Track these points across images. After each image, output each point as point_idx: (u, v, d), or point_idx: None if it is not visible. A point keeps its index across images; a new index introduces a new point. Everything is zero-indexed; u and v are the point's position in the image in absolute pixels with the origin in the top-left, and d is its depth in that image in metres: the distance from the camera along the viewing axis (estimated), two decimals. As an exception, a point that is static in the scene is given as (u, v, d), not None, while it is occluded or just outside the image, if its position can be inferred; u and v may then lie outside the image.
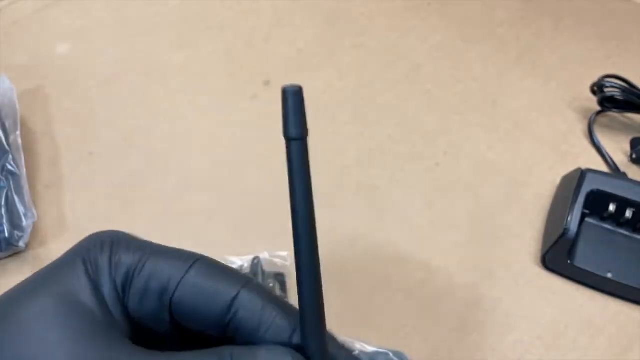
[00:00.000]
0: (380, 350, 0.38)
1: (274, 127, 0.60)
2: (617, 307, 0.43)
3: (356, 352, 0.38)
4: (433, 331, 0.41)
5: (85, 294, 0.21)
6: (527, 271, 0.44)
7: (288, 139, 0.19)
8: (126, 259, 0.22)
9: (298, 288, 0.20)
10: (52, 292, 0.20)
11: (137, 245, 0.22)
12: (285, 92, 0.19)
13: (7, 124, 0.47)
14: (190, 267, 0.22)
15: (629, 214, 0.43)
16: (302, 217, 0.19)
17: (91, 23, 0.60)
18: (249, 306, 0.21)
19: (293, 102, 0.19)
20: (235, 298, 0.21)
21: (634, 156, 0.50)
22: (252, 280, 0.22)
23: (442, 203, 0.48)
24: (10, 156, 0.45)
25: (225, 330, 0.21)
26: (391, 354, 0.38)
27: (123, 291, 0.21)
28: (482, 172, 0.50)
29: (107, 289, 0.21)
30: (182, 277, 0.21)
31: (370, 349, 0.38)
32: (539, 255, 0.45)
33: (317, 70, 0.56)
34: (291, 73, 0.56)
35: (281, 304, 0.22)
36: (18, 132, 0.47)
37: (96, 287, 0.21)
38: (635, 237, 0.44)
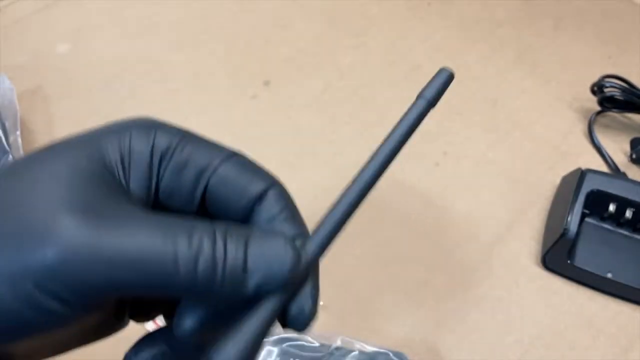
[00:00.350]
0: (381, 350, 0.38)
1: (274, 127, 0.61)
2: (617, 307, 0.43)
3: (355, 353, 0.38)
4: (433, 331, 0.41)
5: (112, 156, 0.21)
6: (527, 271, 0.44)
7: (421, 96, 0.24)
8: (168, 136, 0.22)
9: (339, 197, 0.22)
10: (76, 155, 0.20)
11: (178, 129, 0.22)
12: (442, 70, 0.24)
13: (7, 125, 0.47)
14: (230, 156, 0.22)
15: (629, 214, 0.43)
16: (386, 154, 0.23)
17: (91, 23, 0.60)
18: (269, 206, 0.22)
19: (443, 79, 0.24)
20: (262, 195, 0.22)
21: (633, 156, 0.50)
22: (280, 182, 0.23)
23: (442, 203, 0.48)
24: (10, 156, 0.45)
25: (244, 221, 0.22)
26: (391, 354, 0.38)
27: (160, 161, 0.21)
28: (481, 172, 0.50)
29: (141, 158, 0.21)
30: (222, 162, 0.22)
31: (370, 349, 0.38)
32: (539, 255, 0.45)
33: (317, 70, 0.56)
34: (291, 73, 0.56)
35: (296, 213, 0.22)
36: (18, 133, 0.47)
37: (127, 153, 0.21)
38: (635, 237, 0.44)
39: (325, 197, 0.45)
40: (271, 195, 0.22)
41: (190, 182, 0.22)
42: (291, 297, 0.20)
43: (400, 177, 0.49)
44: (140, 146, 0.21)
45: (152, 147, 0.21)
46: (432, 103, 0.24)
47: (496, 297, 0.43)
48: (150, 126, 0.22)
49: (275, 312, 0.19)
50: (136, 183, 0.21)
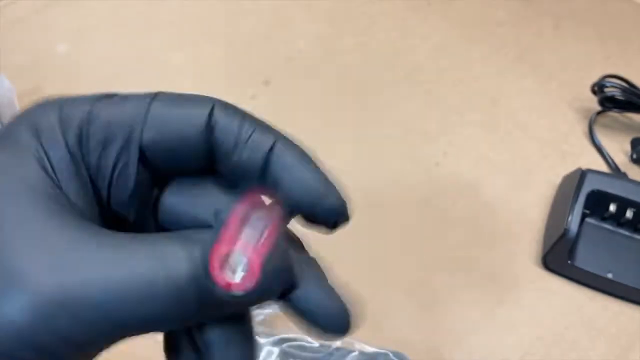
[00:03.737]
0: (381, 350, 0.38)
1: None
2: (618, 308, 0.42)
3: (355, 353, 0.38)
4: (433, 331, 0.41)
5: (33, 166, 0.17)
6: (527, 271, 0.44)
7: None
8: (76, 112, 0.18)
9: None
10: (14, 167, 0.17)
11: (87, 97, 0.19)
12: None
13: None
14: (152, 99, 0.19)
15: (629, 214, 0.43)
16: None
17: (91, 23, 0.60)
18: (224, 123, 0.19)
19: None
20: (209, 117, 0.19)
21: (634, 156, 0.50)
22: (223, 101, 0.20)
23: (442, 203, 0.48)
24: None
25: (205, 158, 0.19)
26: (391, 355, 0.38)
27: (80, 150, 0.18)
28: (482, 172, 0.50)
29: (59, 154, 0.17)
30: (146, 112, 0.18)
31: (370, 349, 0.38)
32: (539, 255, 0.45)
33: (317, 70, 0.56)
34: (291, 73, 0.56)
35: (259, 121, 0.20)
36: (18, 132, 0.47)
37: (46, 155, 0.17)
38: (636, 238, 0.44)
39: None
40: (219, 114, 0.19)
41: (119, 159, 0.18)
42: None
43: (401, 177, 0.49)
44: (55, 140, 0.18)
45: (66, 138, 0.18)
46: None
47: (496, 297, 0.43)
48: (57, 108, 0.18)
49: None
50: (69, 182, 0.17)
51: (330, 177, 0.21)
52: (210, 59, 0.57)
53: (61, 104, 0.18)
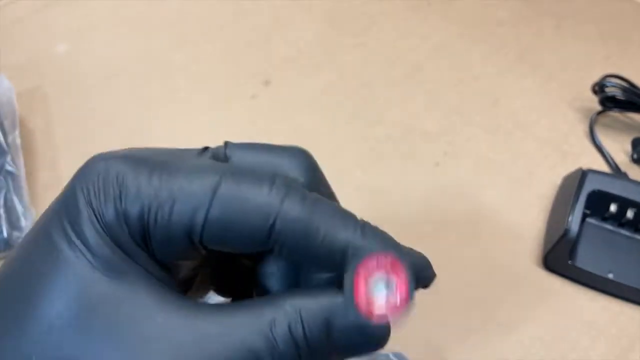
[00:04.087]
0: (381, 351, 0.38)
1: (274, 127, 0.60)
2: (618, 308, 0.42)
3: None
4: (433, 332, 0.41)
5: (116, 258, 0.18)
6: (528, 272, 0.44)
7: None
8: (135, 205, 0.18)
9: None
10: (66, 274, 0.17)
11: (144, 177, 0.18)
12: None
13: (5, 124, 0.47)
14: (216, 189, 0.18)
15: (630, 214, 0.43)
16: None
17: (91, 23, 0.60)
18: (292, 214, 0.18)
19: None
20: (270, 230, 0.18)
21: (635, 156, 0.50)
22: (295, 186, 0.19)
23: (442, 203, 0.47)
24: (9, 156, 0.45)
25: (267, 243, 0.19)
26: (391, 355, 0.38)
27: (143, 240, 0.18)
28: (482, 172, 0.50)
29: (125, 241, 0.18)
30: (208, 210, 0.18)
31: (370, 349, 0.38)
32: (539, 255, 0.44)
33: (317, 70, 0.56)
34: (291, 73, 0.56)
35: (339, 207, 0.20)
36: (17, 132, 0.47)
37: (118, 245, 0.18)
38: (637, 238, 0.44)
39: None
40: (287, 207, 0.19)
41: (180, 252, 0.19)
42: None
43: (401, 177, 0.49)
44: (117, 227, 0.18)
45: (128, 225, 0.18)
46: None
47: (497, 298, 0.43)
48: (113, 191, 0.18)
49: None
50: (141, 262, 0.19)
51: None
52: (210, 59, 0.57)
53: (120, 189, 0.18)
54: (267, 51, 0.58)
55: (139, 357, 0.17)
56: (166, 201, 0.18)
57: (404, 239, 0.49)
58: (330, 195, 0.22)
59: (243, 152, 0.21)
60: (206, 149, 0.21)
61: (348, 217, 0.20)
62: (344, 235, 0.19)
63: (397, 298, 0.18)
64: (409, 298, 0.18)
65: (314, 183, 0.21)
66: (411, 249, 0.22)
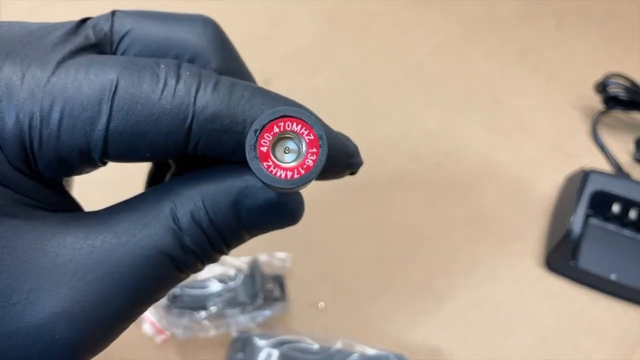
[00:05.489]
0: (381, 352, 0.38)
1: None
2: (621, 309, 0.42)
3: (356, 355, 0.37)
4: (434, 333, 0.41)
5: None
6: (530, 272, 0.44)
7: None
8: (5, 120, 0.15)
9: None
10: None
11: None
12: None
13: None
14: (113, 93, 0.16)
15: (633, 214, 0.43)
16: None
17: (90, 22, 0.59)
18: (208, 111, 0.17)
19: None
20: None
21: (638, 156, 0.50)
22: (206, 73, 0.17)
23: (443, 203, 0.47)
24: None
25: (184, 148, 0.17)
26: (392, 356, 0.37)
27: (25, 163, 0.16)
28: (484, 172, 0.49)
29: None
30: (108, 122, 0.16)
31: (371, 351, 0.38)
32: (542, 256, 0.44)
33: (317, 69, 0.56)
34: (291, 71, 0.56)
35: (257, 88, 0.18)
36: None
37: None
38: (639, 238, 0.43)
39: (325, 197, 0.44)
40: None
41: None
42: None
43: (401, 177, 0.49)
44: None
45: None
46: None
47: (498, 299, 0.42)
48: None
49: None
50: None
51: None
52: (209, 58, 0.57)
53: None
54: (267, 49, 0.57)
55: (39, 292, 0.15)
56: (48, 112, 0.15)
57: (405, 240, 0.49)
58: (242, 70, 0.20)
59: (135, 24, 0.18)
60: (84, 21, 0.18)
61: (267, 96, 0.18)
62: None
63: (307, 159, 0.17)
64: (318, 159, 0.17)
65: (225, 59, 0.19)
66: (341, 133, 0.21)
